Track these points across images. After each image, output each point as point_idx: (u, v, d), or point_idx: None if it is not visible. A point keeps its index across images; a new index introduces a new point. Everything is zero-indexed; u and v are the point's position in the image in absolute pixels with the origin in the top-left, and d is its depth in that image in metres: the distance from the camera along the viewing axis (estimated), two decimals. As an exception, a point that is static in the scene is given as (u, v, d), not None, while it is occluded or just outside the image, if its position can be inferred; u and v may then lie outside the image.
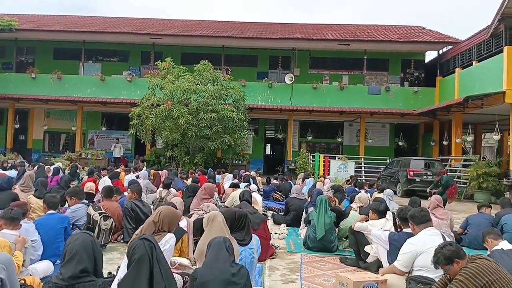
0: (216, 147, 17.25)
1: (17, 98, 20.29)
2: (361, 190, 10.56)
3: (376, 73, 22.49)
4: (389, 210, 5.95)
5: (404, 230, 4.69)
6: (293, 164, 20.28)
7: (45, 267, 4.17)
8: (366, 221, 5.44)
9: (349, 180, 14.08)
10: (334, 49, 21.39)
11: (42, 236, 4.49)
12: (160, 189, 8.54)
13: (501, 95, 14.25)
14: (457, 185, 16.79)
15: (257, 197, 9.04)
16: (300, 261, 5.46)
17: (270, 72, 22.59)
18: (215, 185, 7.21)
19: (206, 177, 11.24)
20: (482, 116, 17.56)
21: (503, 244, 4.47)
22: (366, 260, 5.19)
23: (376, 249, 4.90)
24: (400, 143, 22.00)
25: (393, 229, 5.31)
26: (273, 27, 23.06)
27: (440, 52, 20.49)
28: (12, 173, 10.91)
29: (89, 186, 7.73)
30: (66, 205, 6.35)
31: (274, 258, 5.50)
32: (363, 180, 14.84)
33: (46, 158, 19.99)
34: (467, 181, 15.93)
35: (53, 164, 14.91)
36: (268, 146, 25.80)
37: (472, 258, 3.36)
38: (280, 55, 22.50)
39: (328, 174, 18.80)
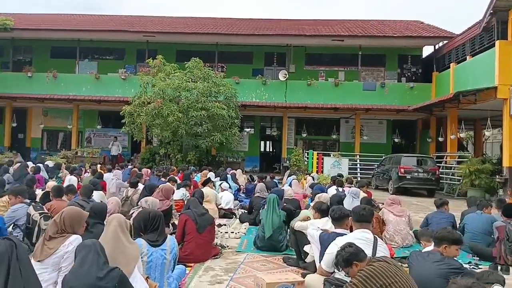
0: (207, 145, 17.21)
1: (14, 97, 20.56)
2: (338, 188, 10.41)
3: (373, 69, 22.21)
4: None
5: (335, 230, 4.57)
6: (287, 162, 20.16)
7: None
8: (308, 220, 5.34)
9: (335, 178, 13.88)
10: (329, 45, 21.18)
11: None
12: (128, 188, 8.52)
13: (493, 91, 13.93)
14: (452, 182, 16.58)
15: (224, 196, 9.01)
16: (242, 261, 5.37)
17: (266, 69, 22.47)
18: (173, 187, 7.14)
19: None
20: (479, 112, 17.20)
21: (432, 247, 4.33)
22: (306, 260, 5.09)
23: (311, 249, 4.81)
24: (397, 140, 21.69)
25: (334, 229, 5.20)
26: (269, 23, 22.90)
27: (437, 47, 20.13)
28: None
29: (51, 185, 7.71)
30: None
31: (217, 258, 5.43)
32: (351, 178, 14.64)
33: (43, 156, 20.22)
34: (461, 178, 15.62)
35: (51, 163, 15.13)
36: (268, 144, 25.67)
37: (371, 261, 3.26)
38: (276, 52, 22.35)
39: (322, 172, 18.69)
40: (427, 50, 21.95)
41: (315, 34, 20.26)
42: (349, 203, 7.88)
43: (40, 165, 12.03)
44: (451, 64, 17.89)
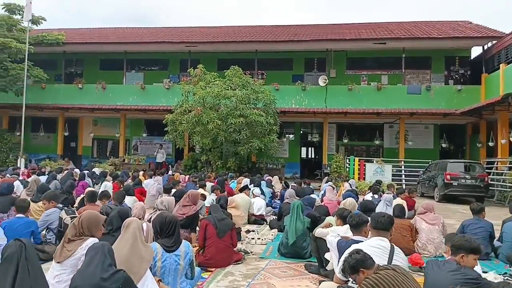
0: (246, 152, 17.34)
1: (66, 107, 21.80)
2: (374, 195, 10.14)
3: (418, 71, 21.49)
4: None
5: (354, 238, 4.45)
6: (328, 168, 19.88)
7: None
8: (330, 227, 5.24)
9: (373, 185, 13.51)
10: (370, 48, 20.74)
11: (8, 238, 4.79)
12: (162, 193, 8.76)
13: (547, 91, 13.04)
14: (503, 189, 15.61)
15: (256, 202, 9.02)
16: (263, 267, 5.36)
17: (306, 75, 22.36)
18: (199, 193, 7.26)
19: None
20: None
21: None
22: (327, 268, 5.00)
23: (331, 256, 4.71)
24: (444, 145, 20.77)
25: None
26: (308, 29, 22.81)
27: (486, 47, 19.14)
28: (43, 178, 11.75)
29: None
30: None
31: (239, 263, 5.45)
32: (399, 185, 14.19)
33: (92, 163, 21.27)
34: (512, 185, 14.72)
35: (97, 170, 15.94)
36: (310, 150, 25.48)
37: (378, 269, 3.15)
38: (316, 57, 22.20)
39: (364, 179, 18.27)
40: (476, 51, 20.93)
41: (355, 38, 19.93)
42: (382, 211, 7.66)
43: (85, 172, 12.63)
44: (501, 65, 16.94)
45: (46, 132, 23.97)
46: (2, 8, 20.32)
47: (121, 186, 11.78)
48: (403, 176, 19.11)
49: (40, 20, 21.72)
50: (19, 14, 21.18)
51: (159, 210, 5.63)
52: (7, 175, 11.27)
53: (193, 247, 5.63)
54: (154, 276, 3.71)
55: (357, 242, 4.24)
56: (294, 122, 22.45)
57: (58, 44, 21.16)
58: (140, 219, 5.20)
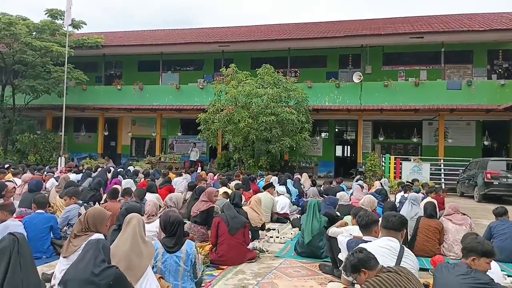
0: (277, 150, 17.26)
1: (106, 108, 22.58)
2: (405, 194, 9.79)
3: (459, 66, 20.59)
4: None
5: (364, 238, 4.29)
6: (363, 167, 19.43)
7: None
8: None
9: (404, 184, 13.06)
10: (408, 43, 20.06)
11: (28, 233, 5.00)
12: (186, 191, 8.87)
13: None
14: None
15: (280, 200, 8.94)
16: (276, 266, 5.29)
17: (340, 72, 21.97)
18: (216, 189, 7.28)
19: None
20: None
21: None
22: (340, 268, 4.85)
23: (343, 256, 4.57)
24: (487, 143, 19.77)
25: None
26: (342, 25, 22.42)
27: (533, 38, 18.06)
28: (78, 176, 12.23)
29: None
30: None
31: (252, 262, 5.41)
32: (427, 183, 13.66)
33: (130, 162, 21.92)
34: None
35: (133, 168, 16.42)
36: (345, 148, 25.04)
37: (381, 270, 3.01)
38: (350, 54, 21.76)
39: (400, 177, 17.73)
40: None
41: (391, 33, 19.35)
42: (408, 210, 7.37)
43: (118, 170, 13.01)
44: (549, 57, 15.91)
45: (87, 131, 24.96)
46: (45, 14, 21.29)
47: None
48: (443, 175, 18.34)
49: (81, 24, 22.58)
50: (61, 19, 22.13)
51: (168, 207, 5.68)
52: (45, 173, 11.79)
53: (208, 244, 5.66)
54: (155, 273, 3.73)
55: (367, 242, 4.09)
56: (328, 120, 22.11)
57: (98, 47, 21.96)
58: (152, 216, 5.29)
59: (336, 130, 22.92)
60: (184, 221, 7.22)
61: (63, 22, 22.19)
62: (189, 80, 23.22)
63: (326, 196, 11.27)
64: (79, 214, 5.77)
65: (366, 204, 6.51)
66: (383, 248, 3.54)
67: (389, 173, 17.94)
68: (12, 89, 21.29)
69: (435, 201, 8.89)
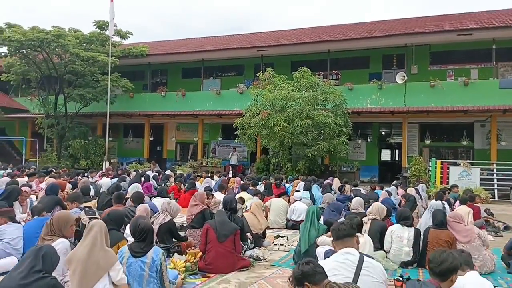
0: (314, 154, 16.88)
1: (151, 114, 23.34)
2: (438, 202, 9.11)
3: (513, 63, 19.05)
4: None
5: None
6: (408, 171, 18.49)
7: (6, 263, 4.80)
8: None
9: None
10: (457, 41, 18.87)
11: (26, 237, 5.20)
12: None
13: None
14: None
15: (296, 207, 8.65)
16: (266, 275, 5.07)
17: (384, 73, 21.00)
18: (205, 192, 7.21)
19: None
20: None
21: (468, 277, 3.44)
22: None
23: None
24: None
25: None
26: (385, 24, 21.56)
27: None
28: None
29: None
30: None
31: (244, 270, 5.23)
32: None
33: (173, 166, 22.48)
34: None
35: (176, 172, 16.86)
36: (392, 152, 24.00)
37: (326, 285, 2.74)
38: (395, 54, 20.85)
39: (447, 183, 16.63)
40: None
41: (437, 30, 18.28)
42: (426, 219, 6.85)
43: (150, 174, 13.34)
44: None
45: (135, 137, 25.93)
46: (94, 25, 22.44)
47: (180, 188, 12.26)
48: (495, 180, 16.96)
49: (128, 34, 23.55)
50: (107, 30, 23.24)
51: (162, 211, 5.66)
52: (79, 177, 12.32)
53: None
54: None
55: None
56: (372, 122, 21.31)
57: (143, 56, 22.78)
58: (143, 221, 5.27)
59: (381, 133, 22.03)
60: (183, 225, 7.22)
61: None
62: (230, 86, 23.39)
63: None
64: (79, 219, 5.91)
65: (375, 212, 6.13)
66: (341, 263, 3.24)
67: (435, 178, 16.90)
68: (64, 97, 22.59)
69: (471, 211, 8.23)
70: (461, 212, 8.62)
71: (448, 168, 16.89)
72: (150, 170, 19.81)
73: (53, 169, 13.76)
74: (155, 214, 5.82)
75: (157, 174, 14.55)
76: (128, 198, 7.30)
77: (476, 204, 9.05)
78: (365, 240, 4.57)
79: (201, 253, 5.41)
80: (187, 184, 11.57)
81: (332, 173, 18.61)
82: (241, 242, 5.69)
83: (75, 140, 22.99)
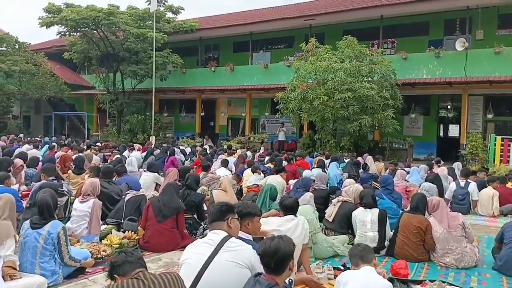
0: (356, 130, 15.88)
1: (202, 89, 23.60)
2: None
3: None
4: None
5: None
6: (466, 148, 16.74)
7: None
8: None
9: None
10: (531, -1, 16.38)
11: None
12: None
13: None
14: None
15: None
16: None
17: (446, 39, 19.04)
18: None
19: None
20: None
21: (359, 272, 2.87)
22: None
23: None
24: None
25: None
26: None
27: None
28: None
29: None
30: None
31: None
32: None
33: (221, 141, 22.69)
34: None
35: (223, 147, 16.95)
36: (454, 127, 21.89)
37: (132, 277, 2.48)
38: (458, 18, 18.66)
39: (508, 162, 14.81)
40: None
41: (506, -12, 15.99)
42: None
43: (176, 149, 13.47)
44: None
45: (189, 112, 26.49)
46: (146, 2, 22.91)
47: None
48: None
49: (180, 10, 23.79)
50: (162, 6, 23.65)
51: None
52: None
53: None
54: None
55: (242, 239, 3.38)
56: (430, 95, 19.48)
57: (192, 31, 22.92)
58: (87, 195, 5.20)
59: (440, 106, 20.11)
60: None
61: (164, 9, 23.73)
62: (280, 59, 22.68)
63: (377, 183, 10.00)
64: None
65: (350, 194, 5.47)
66: (204, 242, 3.08)
67: (494, 156, 15.09)
68: (121, 74, 23.59)
69: (496, 193, 7.21)
70: (484, 194, 7.54)
71: (509, 145, 14.96)
72: (201, 145, 20.19)
73: (92, 144, 14.44)
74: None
75: (184, 148, 14.65)
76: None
77: (509, 187, 7.81)
78: (296, 223, 4.05)
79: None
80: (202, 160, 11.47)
81: (382, 150, 17.50)
82: (198, 221, 5.42)
83: (132, 116, 24.05)
